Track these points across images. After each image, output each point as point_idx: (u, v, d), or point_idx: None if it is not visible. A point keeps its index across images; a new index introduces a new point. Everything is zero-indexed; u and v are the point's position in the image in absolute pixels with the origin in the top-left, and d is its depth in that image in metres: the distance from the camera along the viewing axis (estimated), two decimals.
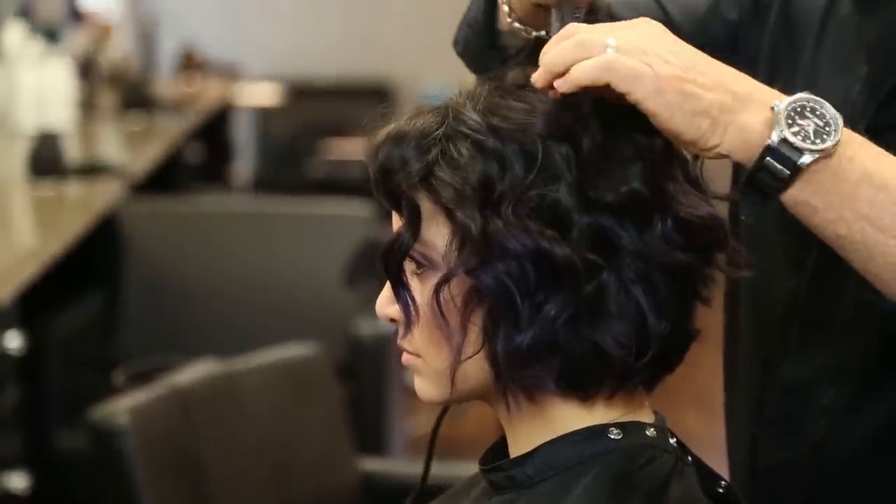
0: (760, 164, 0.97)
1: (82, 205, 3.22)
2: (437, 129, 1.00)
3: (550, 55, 0.98)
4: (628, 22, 0.99)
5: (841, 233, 0.98)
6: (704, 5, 1.30)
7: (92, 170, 3.51)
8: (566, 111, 0.98)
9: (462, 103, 1.02)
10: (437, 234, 1.00)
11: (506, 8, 1.18)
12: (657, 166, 0.99)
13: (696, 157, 1.02)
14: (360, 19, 7.66)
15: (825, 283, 1.19)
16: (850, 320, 1.19)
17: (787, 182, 0.97)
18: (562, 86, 0.97)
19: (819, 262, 1.19)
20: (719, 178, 1.07)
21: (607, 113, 0.99)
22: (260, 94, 7.15)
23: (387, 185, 1.02)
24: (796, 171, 0.96)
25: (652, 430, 1.03)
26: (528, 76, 1.01)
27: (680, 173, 1.00)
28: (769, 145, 0.96)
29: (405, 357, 1.06)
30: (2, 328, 2.47)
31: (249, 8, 7.67)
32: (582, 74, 0.96)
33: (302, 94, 7.36)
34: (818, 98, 0.98)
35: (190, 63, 6.80)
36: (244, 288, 3.54)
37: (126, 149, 4.58)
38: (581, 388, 1.01)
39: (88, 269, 3.45)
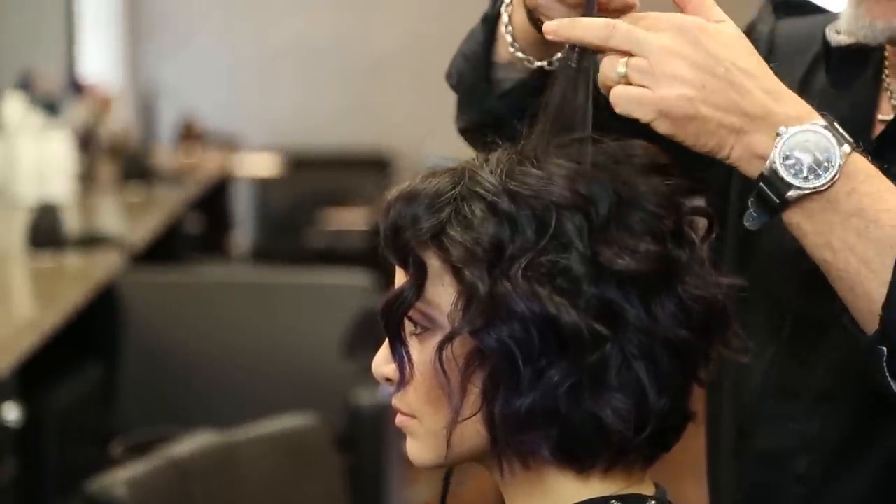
0: (757, 186, 1.00)
1: (81, 276, 3.22)
2: (451, 190, 1.01)
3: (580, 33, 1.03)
4: (668, 22, 1.01)
5: (827, 258, 1.01)
6: None
7: (91, 241, 3.51)
8: (583, 182, 0.99)
9: (479, 166, 1.02)
10: (443, 294, 1.00)
11: (509, 38, 1.19)
12: (667, 244, 0.99)
13: (703, 239, 1.03)
14: (359, 90, 7.71)
15: (798, 353, 1.20)
16: (823, 391, 1.19)
17: (780, 207, 1.00)
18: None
19: (793, 332, 1.20)
20: None
21: (623, 185, 1.00)
22: (259, 164, 7.18)
23: (396, 241, 1.02)
24: (785, 201, 1.00)
25: (653, 502, 1.03)
26: (547, 144, 1.03)
27: (688, 253, 1.01)
28: (762, 172, 1.00)
29: (399, 418, 1.06)
30: (0, 400, 2.46)
31: (249, 79, 7.73)
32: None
33: (301, 164, 7.40)
34: (830, 126, 0.99)
35: (190, 134, 6.84)
36: (243, 358, 3.53)
37: (125, 219, 4.59)
38: (576, 459, 1.00)
39: (87, 340, 3.44)
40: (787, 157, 0.99)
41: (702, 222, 1.04)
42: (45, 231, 3.33)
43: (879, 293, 0.99)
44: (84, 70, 6.41)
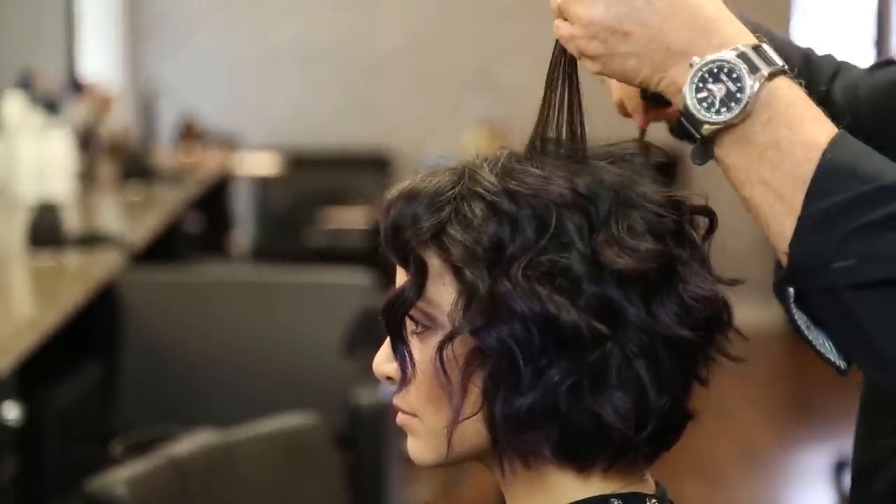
0: (679, 122, 0.99)
1: (81, 275, 3.22)
2: (451, 189, 1.01)
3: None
4: None
5: (746, 195, 0.97)
6: (885, 84, 1.24)
7: (91, 240, 3.51)
8: (582, 181, 0.99)
9: (479, 165, 1.03)
10: (443, 293, 1.00)
11: None
12: (668, 242, 0.99)
13: (703, 238, 1.03)
14: (359, 89, 7.71)
15: None
16: None
17: (699, 144, 0.98)
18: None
19: None
20: None
21: (623, 184, 1.00)
22: (259, 163, 7.18)
23: (396, 240, 1.02)
24: (703, 137, 0.97)
25: (653, 501, 1.03)
26: (548, 143, 1.03)
27: (689, 252, 1.01)
28: (678, 108, 0.98)
29: (400, 417, 1.06)
30: (0, 399, 2.46)
31: (249, 78, 7.73)
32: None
33: (301, 163, 7.40)
34: (751, 51, 0.96)
35: (189, 133, 6.84)
36: (243, 357, 3.53)
37: (125, 219, 4.59)
38: (577, 458, 1.00)
39: (87, 339, 3.44)
40: (699, 90, 0.95)
41: (703, 221, 1.04)
42: (45, 230, 3.32)
43: (791, 229, 0.94)
44: (84, 69, 6.41)
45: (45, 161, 4.40)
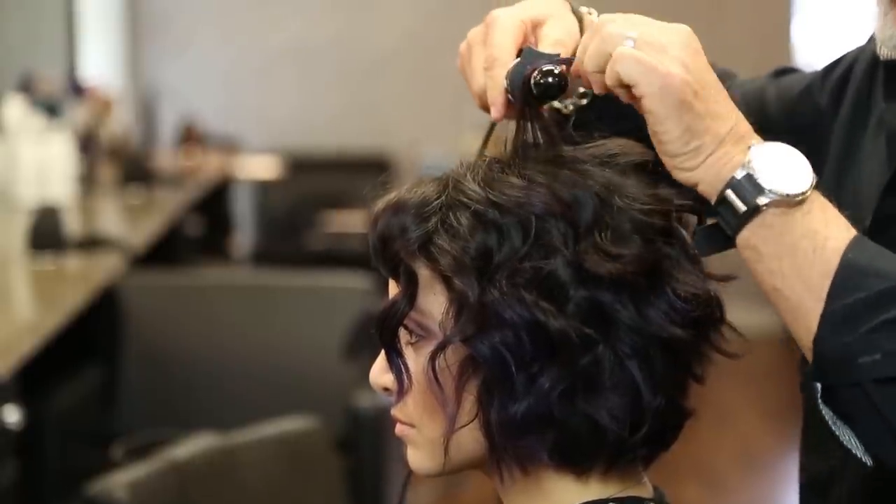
0: (723, 195, 0.97)
1: (82, 278, 3.22)
2: (437, 199, 1.01)
3: (582, 58, 1.01)
4: (662, 23, 1.00)
5: (777, 285, 0.97)
6: (797, 89, 1.31)
7: (92, 243, 3.51)
8: (565, 187, 0.99)
9: (462, 174, 1.03)
10: (434, 303, 1.01)
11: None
12: (655, 242, 0.99)
13: (693, 234, 1.02)
14: (358, 92, 7.71)
15: None
16: None
17: (743, 220, 0.97)
18: (585, 82, 1.01)
19: None
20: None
21: (607, 187, 0.99)
22: (259, 166, 7.18)
23: (385, 252, 1.02)
24: (754, 209, 0.96)
25: None
26: (530, 146, 1.03)
27: (678, 250, 1.01)
28: (734, 177, 0.97)
29: (399, 428, 1.06)
30: (0, 402, 2.46)
31: (249, 81, 7.73)
32: (592, 63, 0.99)
33: (301, 166, 7.40)
34: (797, 150, 0.98)
35: (190, 136, 6.85)
36: (243, 361, 3.53)
37: (126, 222, 4.59)
38: (575, 462, 1.00)
39: (88, 343, 3.44)
40: (759, 167, 0.96)
41: (692, 218, 1.04)
42: (46, 233, 3.33)
43: (817, 323, 0.96)
44: (84, 72, 6.41)
45: (46, 164, 4.40)
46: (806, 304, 0.96)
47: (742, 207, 0.97)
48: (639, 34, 0.98)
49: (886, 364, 0.93)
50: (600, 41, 0.99)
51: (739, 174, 0.96)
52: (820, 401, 0.98)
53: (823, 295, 0.95)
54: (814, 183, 0.97)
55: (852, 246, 0.96)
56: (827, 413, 0.98)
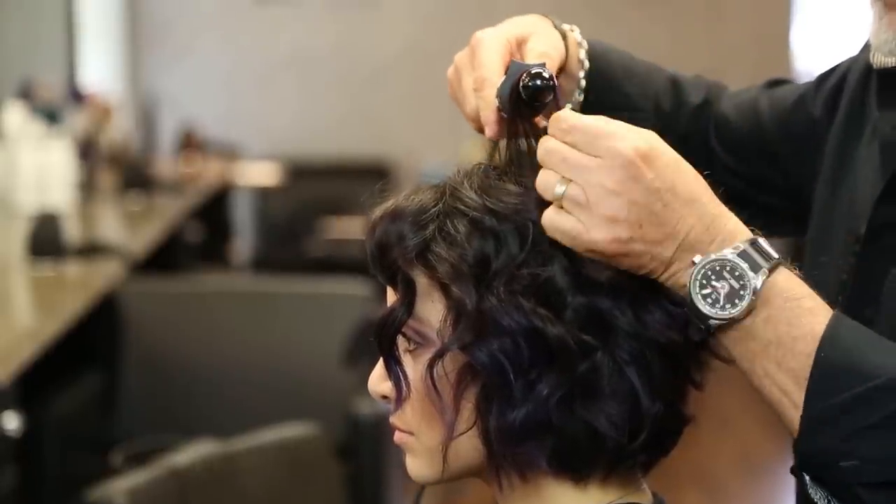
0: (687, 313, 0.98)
1: (81, 285, 3.22)
2: (434, 206, 1.01)
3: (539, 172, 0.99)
4: (606, 149, 0.95)
5: (756, 384, 0.98)
6: (791, 99, 1.31)
7: (91, 250, 3.51)
8: None
9: (459, 182, 1.03)
10: (432, 310, 1.01)
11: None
12: None
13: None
14: (358, 99, 7.72)
15: None
16: None
17: (704, 334, 0.98)
18: None
19: None
20: None
21: None
22: (259, 173, 7.18)
23: (383, 260, 1.02)
24: (707, 329, 0.97)
25: None
26: (525, 154, 1.03)
27: None
28: (686, 297, 0.97)
29: (397, 435, 1.06)
30: (0, 409, 2.46)
31: (249, 88, 7.74)
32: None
33: (301, 173, 7.40)
34: (751, 249, 0.96)
35: (190, 143, 6.84)
36: (243, 367, 3.53)
37: (126, 229, 4.59)
38: (573, 469, 1.00)
39: (87, 349, 3.44)
40: (703, 287, 0.95)
41: None
42: (46, 240, 3.33)
43: (797, 425, 0.96)
44: (84, 79, 6.41)
45: (46, 171, 4.40)
46: (784, 405, 0.96)
47: (700, 327, 0.97)
48: (566, 193, 0.95)
49: (867, 470, 0.93)
50: (541, 176, 0.98)
51: (688, 299, 0.96)
52: (809, 485, 0.98)
53: (799, 401, 0.95)
54: (761, 287, 0.95)
55: (826, 341, 0.95)
56: (818, 495, 0.98)
